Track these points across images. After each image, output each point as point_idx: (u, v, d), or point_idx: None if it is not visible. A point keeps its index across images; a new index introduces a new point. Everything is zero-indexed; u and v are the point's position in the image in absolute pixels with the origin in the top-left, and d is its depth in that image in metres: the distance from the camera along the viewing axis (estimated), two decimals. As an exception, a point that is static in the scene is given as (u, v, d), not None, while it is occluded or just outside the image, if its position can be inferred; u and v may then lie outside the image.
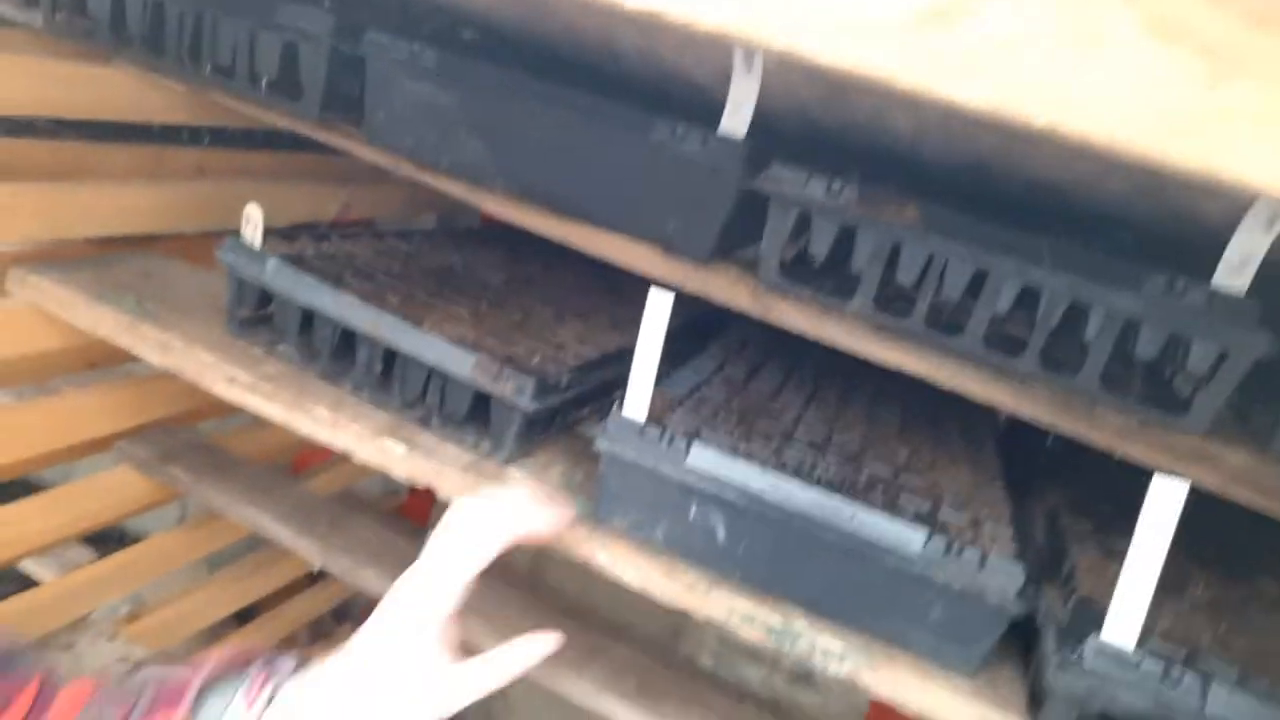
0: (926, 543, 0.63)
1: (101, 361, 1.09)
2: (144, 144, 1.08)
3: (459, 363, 0.74)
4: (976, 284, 0.60)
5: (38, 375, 1.04)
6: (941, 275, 0.61)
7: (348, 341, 0.80)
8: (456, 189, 0.76)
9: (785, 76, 0.58)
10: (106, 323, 0.83)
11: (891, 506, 0.68)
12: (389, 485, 1.61)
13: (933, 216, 0.60)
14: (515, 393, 0.73)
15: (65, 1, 0.85)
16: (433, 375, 0.77)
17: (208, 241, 1.06)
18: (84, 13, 0.85)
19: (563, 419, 0.85)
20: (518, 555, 0.64)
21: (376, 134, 0.76)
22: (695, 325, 0.98)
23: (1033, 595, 0.64)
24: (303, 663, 0.61)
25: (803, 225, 0.63)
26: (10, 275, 0.87)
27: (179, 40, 0.80)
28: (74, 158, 0.98)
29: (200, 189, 1.02)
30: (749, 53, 0.56)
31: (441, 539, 0.61)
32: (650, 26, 0.59)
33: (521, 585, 1.04)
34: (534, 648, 0.63)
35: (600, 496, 0.70)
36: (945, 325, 0.63)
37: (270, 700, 0.59)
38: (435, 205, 1.48)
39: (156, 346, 0.81)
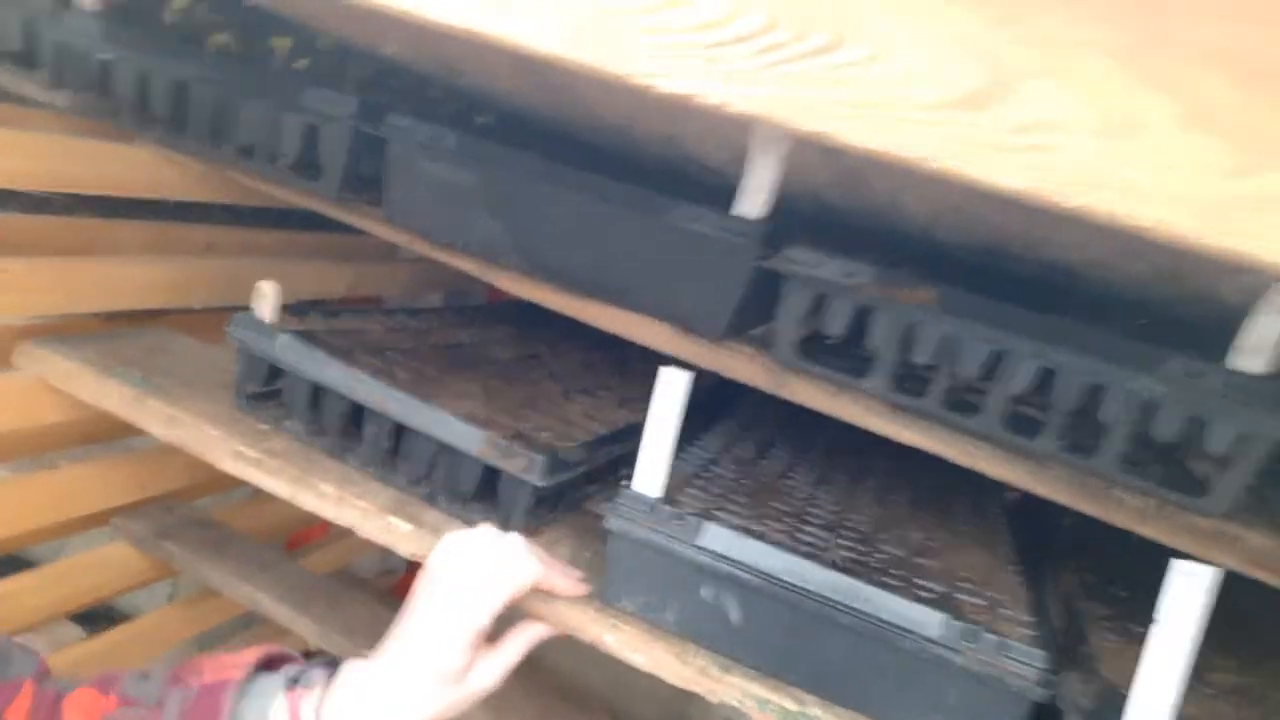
0: (944, 625, 0.62)
1: (100, 437, 1.08)
2: (155, 220, 1.09)
3: (468, 439, 0.74)
4: (993, 364, 0.61)
5: (37, 449, 1.03)
6: (958, 355, 0.61)
7: (355, 417, 0.80)
8: (472, 267, 0.76)
9: (802, 158, 0.59)
10: (113, 396, 0.83)
11: (907, 588, 0.67)
12: (385, 564, 1.59)
13: (949, 298, 0.60)
14: (525, 469, 0.72)
15: (90, 82, 0.86)
16: (441, 451, 0.76)
17: (214, 317, 1.07)
18: (108, 94, 0.87)
19: (570, 497, 0.84)
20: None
21: (395, 213, 0.77)
22: (701, 403, 0.98)
23: (1054, 681, 0.63)
24: (333, 668, 0.62)
25: (819, 304, 0.63)
26: (17, 349, 0.86)
27: (202, 121, 0.82)
28: (86, 233, 0.99)
29: (209, 265, 1.03)
30: (769, 136, 0.58)
31: (476, 561, 0.64)
32: (676, 113, 0.61)
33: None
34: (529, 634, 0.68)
35: (609, 576, 0.69)
36: (961, 405, 0.63)
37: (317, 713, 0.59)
38: (441, 283, 1.49)
39: (163, 420, 0.81)
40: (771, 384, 0.66)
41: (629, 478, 0.68)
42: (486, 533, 0.66)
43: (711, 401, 1.01)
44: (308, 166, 0.81)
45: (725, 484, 0.79)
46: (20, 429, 0.87)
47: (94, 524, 1.07)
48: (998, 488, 1.12)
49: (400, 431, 0.77)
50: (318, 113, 0.77)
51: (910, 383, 0.64)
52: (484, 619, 0.62)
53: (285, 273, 1.00)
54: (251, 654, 0.63)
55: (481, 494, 0.76)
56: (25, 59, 0.92)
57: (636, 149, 0.74)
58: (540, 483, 0.72)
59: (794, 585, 0.64)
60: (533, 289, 0.74)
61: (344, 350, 0.82)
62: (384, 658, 0.62)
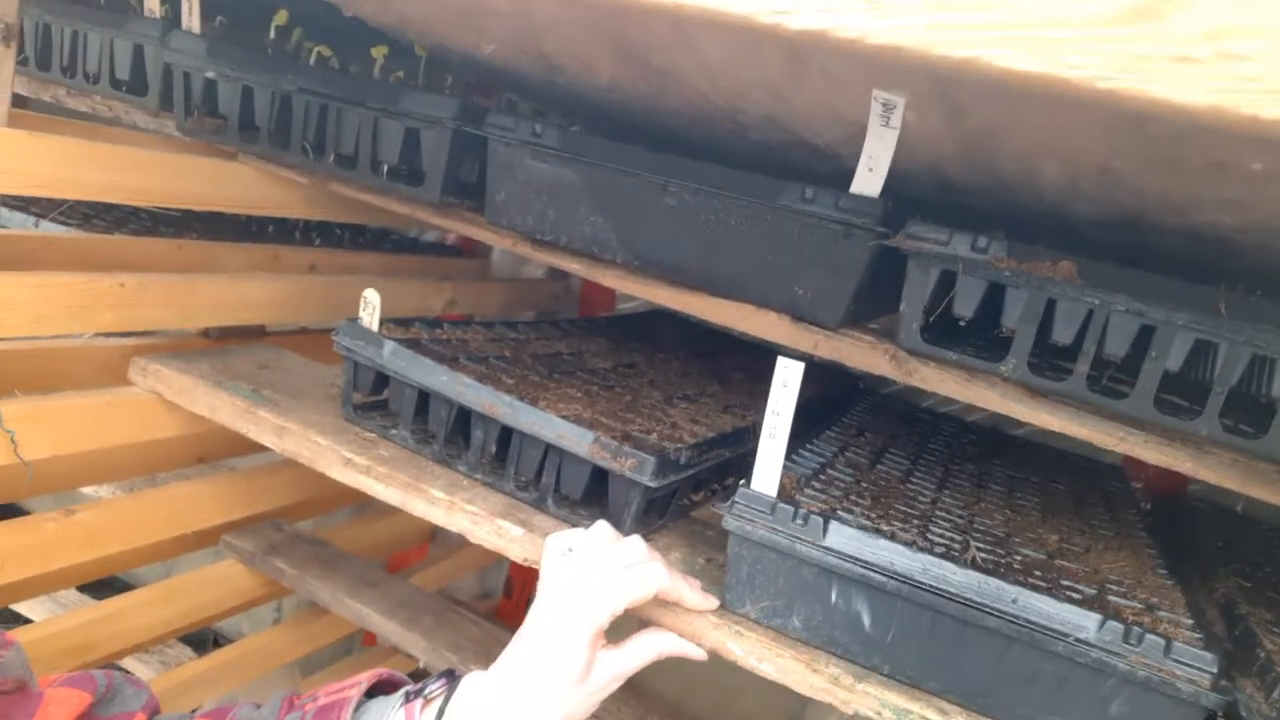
0: (1101, 627, 0.57)
1: (210, 456, 1.10)
2: (260, 243, 1.12)
3: (577, 440, 0.71)
4: (1143, 340, 0.56)
5: (148, 467, 1.05)
6: (1103, 332, 0.57)
7: (462, 424, 0.78)
8: (576, 266, 0.75)
9: (923, 127, 0.56)
10: (224, 409, 0.84)
11: (1054, 590, 0.62)
12: (484, 588, 1.58)
13: (1091, 270, 0.56)
14: (636, 469, 0.69)
15: (197, 103, 0.88)
16: (549, 454, 0.74)
17: (317, 338, 1.08)
18: (214, 112, 0.88)
19: (679, 502, 0.81)
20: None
21: (497, 215, 0.76)
22: (805, 411, 0.95)
23: (1229, 686, 0.57)
24: (454, 679, 0.60)
25: (947, 283, 0.60)
26: (133, 364, 0.88)
27: (304, 132, 0.83)
28: (196, 254, 1.01)
29: (313, 283, 1.04)
30: (888, 103, 0.54)
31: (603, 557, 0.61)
32: (786, 85, 0.58)
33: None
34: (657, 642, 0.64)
35: (729, 580, 0.66)
36: (1107, 387, 0.58)
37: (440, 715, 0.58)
38: (533, 303, 1.49)
39: (272, 431, 0.81)
40: (897, 372, 0.62)
41: (738, 484, 0.65)
42: (604, 531, 0.63)
43: (815, 410, 0.97)
44: (409, 174, 0.81)
45: (843, 486, 0.75)
46: (134, 444, 0.88)
47: (203, 543, 1.09)
48: (1128, 490, 1.06)
49: (507, 436, 0.76)
50: (418, 116, 0.76)
51: (1050, 364, 0.60)
52: (604, 619, 0.59)
53: (385, 291, 1.01)
54: (366, 676, 0.61)
55: (590, 498, 0.74)
56: (135, 86, 0.95)
57: (740, 138, 0.72)
58: (651, 483, 0.69)
59: (933, 587, 0.60)
60: (639, 285, 0.72)
61: (449, 357, 0.82)
62: (505, 662, 0.60)
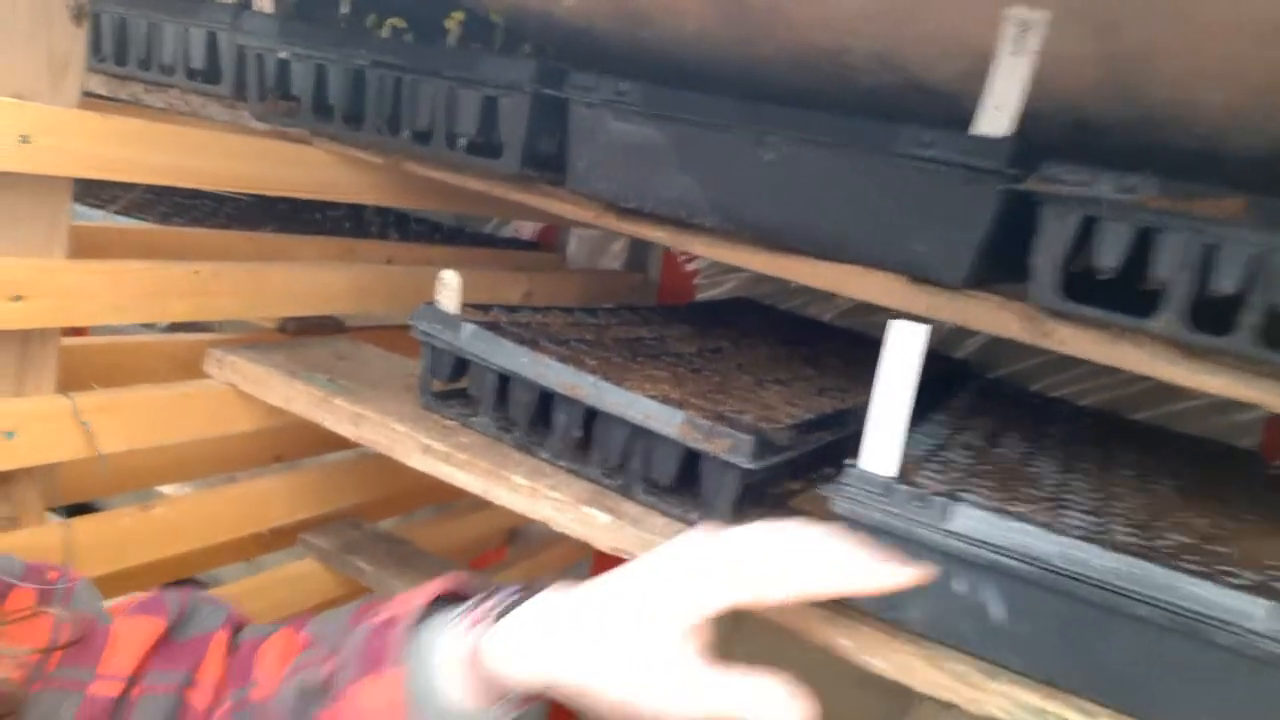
0: (1271, 614, 0.49)
1: (287, 454, 1.08)
2: (335, 235, 1.10)
3: (666, 420, 0.66)
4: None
5: (226, 465, 1.03)
6: (1275, 279, 0.49)
7: (544, 409, 0.74)
8: (662, 235, 0.70)
9: (1062, 52, 0.49)
10: (300, 398, 0.81)
11: (1212, 575, 0.54)
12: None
13: (1261, 207, 0.49)
14: (731, 451, 0.64)
15: (270, 86, 0.86)
16: (636, 437, 0.69)
17: (396, 334, 1.06)
18: (287, 95, 0.86)
19: (775, 489, 0.75)
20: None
21: (579, 181, 0.72)
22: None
23: None
24: (530, 591, 0.53)
25: (1088, 230, 0.53)
26: (208, 356, 0.86)
27: (378, 109, 0.80)
28: (271, 245, 0.99)
29: (389, 273, 1.01)
30: (1024, 23, 0.48)
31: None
32: (900, 16, 0.53)
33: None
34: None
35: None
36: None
37: (499, 616, 0.51)
38: (611, 294, 1.45)
39: (349, 419, 0.78)
40: (1031, 333, 0.55)
41: (838, 469, 0.59)
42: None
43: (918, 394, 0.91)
44: (486, 147, 0.77)
45: (961, 468, 0.68)
46: (211, 438, 0.86)
47: (280, 543, 1.07)
48: (1268, 474, 0.97)
49: (591, 419, 0.71)
50: (495, 83, 0.72)
51: (1208, 319, 0.53)
52: (710, 608, 0.49)
53: (463, 281, 0.98)
54: (433, 586, 0.55)
55: (681, 484, 0.69)
56: (209, 75, 0.93)
57: (842, 85, 0.66)
58: (749, 465, 0.64)
59: (1074, 572, 0.53)
60: (732, 250, 0.66)
61: (529, 340, 0.77)
62: (580, 594, 0.52)
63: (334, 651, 0.53)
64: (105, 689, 0.52)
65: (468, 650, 0.51)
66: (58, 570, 0.56)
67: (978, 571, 0.56)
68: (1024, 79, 0.52)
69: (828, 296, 1.28)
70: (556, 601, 0.52)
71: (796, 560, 0.50)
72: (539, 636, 0.50)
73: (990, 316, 0.57)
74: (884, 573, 0.50)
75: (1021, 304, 0.56)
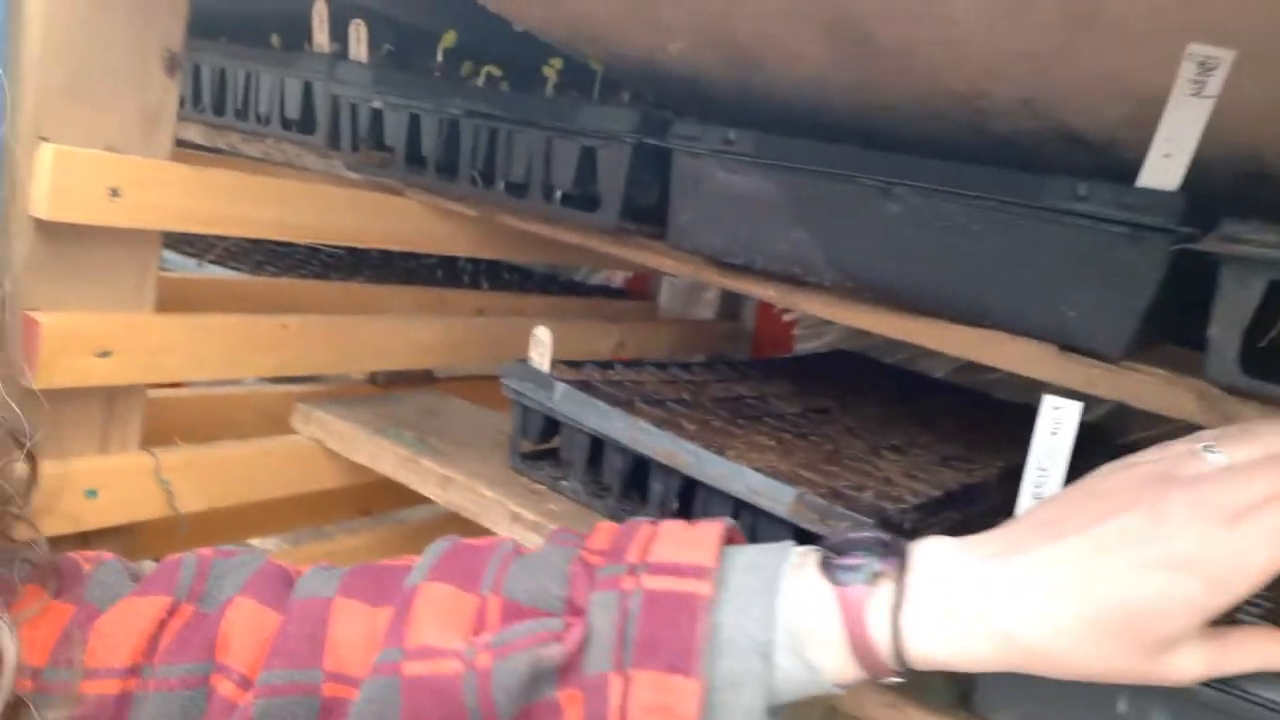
0: None
1: (376, 508, 1.05)
2: (428, 286, 1.08)
3: (777, 497, 0.60)
4: None
5: (315, 519, 1.01)
6: None
7: (639, 475, 0.69)
8: (771, 292, 0.64)
9: (1246, 94, 0.42)
10: (387, 457, 0.78)
11: None
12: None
13: None
14: (852, 536, 0.58)
15: (363, 136, 0.84)
16: (741, 513, 0.63)
17: (484, 385, 1.03)
18: (381, 144, 0.84)
19: (895, 574, 0.68)
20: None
21: (681, 237, 0.67)
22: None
23: None
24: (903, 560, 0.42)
25: (1272, 301, 0.46)
26: (296, 411, 0.84)
27: (472, 160, 0.77)
28: (362, 296, 0.97)
29: (480, 325, 0.98)
30: (1207, 62, 0.42)
31: None
32: (1048, 60, 0.47)
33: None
34: None
35: (979, 678, 0.53)
36: None
37: (895, 625, 0.41)
38: (704, 345, 1.40)
39: (437, 482, 0.74)
40: (1210, 416, 0.48)
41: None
42: None
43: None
44: (582, 200, 0.73)
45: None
46: (297, 495, 0.84)
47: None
48: None
49: (691, 489, 0.66)
50: (594, 133, 0.69)
51: None
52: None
53: (554, 332, 0.95)
54: (709, 536, 0.44)
55: (793, 567, 0.63)
56: (304, 125, 0.92)
57: (975, 132, 0.60)
58: (870, 552, 0.57)
59: (1269, 700, 0.45)
60: (851, 311, 0.60)
61: (624, 400, 0.73)
62: (1053, 559, 0.40)
63: (573, 620, 0.42)
64: (96, 687, 0.43)
65: (846, 633, 0.41)
66: (93, 556, 0.49)
67: (1146, 693, 0.48)
68: (1201, 124, 0.45)
69: (936, 351, 1.20)
70: (985, 555, 0.42)
71: None
72: (985, 608, 0.40)
73: (1158, 394, 0.49)
74: None
75: (1195, 380, 0.49)
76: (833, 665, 0.42)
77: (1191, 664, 0.40)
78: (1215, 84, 0.43)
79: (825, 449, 0.76)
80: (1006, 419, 1.00)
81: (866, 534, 0.44)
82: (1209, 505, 0.38)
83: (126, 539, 0.72)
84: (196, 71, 0.98)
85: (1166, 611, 0.38)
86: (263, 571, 0.49)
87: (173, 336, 0.68)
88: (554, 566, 0.45)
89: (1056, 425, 0.48)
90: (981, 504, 0.70)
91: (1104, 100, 0.49)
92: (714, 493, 0.64)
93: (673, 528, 0.46)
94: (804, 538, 0.60)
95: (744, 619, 0.42)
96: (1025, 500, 0.50)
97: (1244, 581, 0.37)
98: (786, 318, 1.38)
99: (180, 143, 0.69)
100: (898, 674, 0.42)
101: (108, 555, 0.50)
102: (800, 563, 0.44)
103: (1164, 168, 0.47)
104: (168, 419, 0.77)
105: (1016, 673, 0.46)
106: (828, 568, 0.43)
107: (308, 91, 0.90)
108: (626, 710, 0.40)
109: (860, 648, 0.41)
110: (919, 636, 0.41)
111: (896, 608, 0.41)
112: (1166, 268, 0.49)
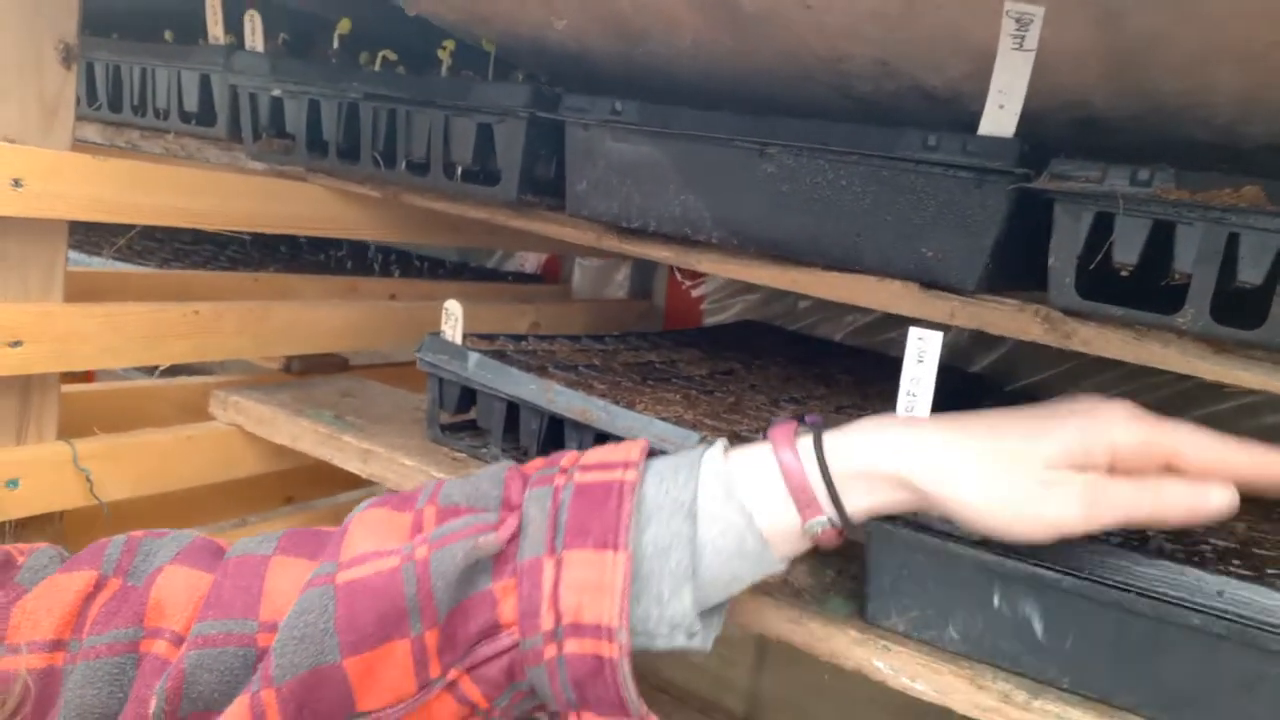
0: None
1: (298, 495, 1.06)
2: (338, 275, 1.09)
3: (680, 442, 0.64)
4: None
5: (239, 508, 1.02)
6: (1304, 266, 0.47)
7: (555, 436, 0.72)
8: (667, 253, 0.69)
9: (1064, 45, 0.48)
10: (307, 436, 0.79)
11: (1261, 579, 0.52)
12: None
13: (1284, 193, 0.47)
14: (750, 473, 0.62)
15: (264, 125, 0.86)
16: (652, 462, 0.68)
17: (400, 370, 1.05)
18: (282, 133, 0.86)
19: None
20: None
21: (578, 205, 0.71)
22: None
23: None
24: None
25: (1105, 227, 0.51)
26: (213, 397, 0.85)
27: (373, 142, 0.79)
28: (272, 287, 0.98)
29: (393, 309, 1.00)
30: (1023, 17, 0.47)
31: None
32: (899, 22, 0.52)
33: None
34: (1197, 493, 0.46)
35: (870, 589, 0.58)
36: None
37: (817, 436, 0.46)
38: (617, 324, 1.43)
39: (358, 455, 0.76)
40: (1053, 336, 0.54)
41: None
42: None
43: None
44: (483, 175, 0.76)
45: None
46: (220, 483, 0.85)
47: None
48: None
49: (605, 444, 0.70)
50: (490, 109, 0.72)
51: (1234, 311, 0.51)
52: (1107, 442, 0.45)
53: (467, 315, 0.98)
54: (636, 443, 0.48)
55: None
56: (204, 117, 0.93)
57: (840, 94, 0.65)
58: (769, 487, 0.62)
59: (1119, 582, 0.50)
60: (739, 266, 0.65)
61: (536, 367, 0.76)
62: (936, 422, 0.49)
63: (508, 509, 0.45)
64: (17, 663, 0.43)
65: (776, 466, 0.46)
66: (27, 549, 0.49)
67: (1017, 585, 0.53)
68: (1026, 75, 0.50)
69: (837, 316, 1.26)
70: (898, 418, 0.49)
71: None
72: (893, 434, 0.47)
73: (1009, 320, 0.55)
74: None
75: (1040, 306, 0.54)
76: (766, 506, 0.45)
77: (1068, 503, 0.45)
78: (1033, 38, 0.48)
79: (728, 402, 0.81)
80: (899, 373, 1.07)
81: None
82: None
83: (51, 529, 0.73)
84: (90, 69, 0.97)
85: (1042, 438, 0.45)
86: (194, 544, 0.50)
87: (84, 325, 0.69)
88: (490, 473, 0.49)
89: (922, 354, 0.53)
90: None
91: (948, 57, 0.54)
92: (624, 445, 0.68)
93: (602, 446, 0.50)
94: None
95: (669, 486, 0.45)
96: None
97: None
98: (695, 293, 1.43)
99: (77, 143, 0.69)
100: (830, 525, 0.46)
101: (42, 545, 0.50)
102: (727, 444, 0.49)
103: (999, 117, 0.52)
104: (85, 412, 0.78)
105: (900, 581, 0.51)
106: (767, 432, 0.48)
107: (205, 84, 0.90)
108: (559, 590, 0.42)
109: (791, 479, 0.45)
110: (842, 463, 0.45)
111: (819, 440, 0.46)
112: (1008, 206, 0.54)
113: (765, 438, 0.48)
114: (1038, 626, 0.53)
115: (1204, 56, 0.46)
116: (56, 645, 0.44)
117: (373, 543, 0.45)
